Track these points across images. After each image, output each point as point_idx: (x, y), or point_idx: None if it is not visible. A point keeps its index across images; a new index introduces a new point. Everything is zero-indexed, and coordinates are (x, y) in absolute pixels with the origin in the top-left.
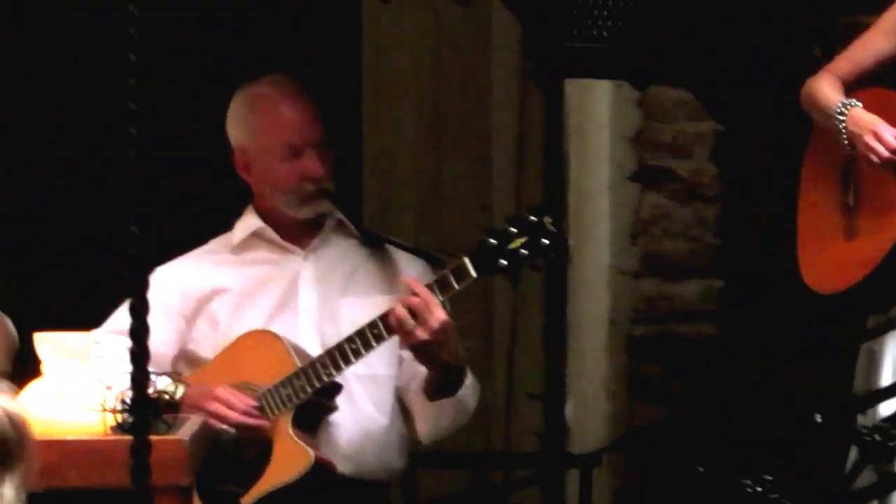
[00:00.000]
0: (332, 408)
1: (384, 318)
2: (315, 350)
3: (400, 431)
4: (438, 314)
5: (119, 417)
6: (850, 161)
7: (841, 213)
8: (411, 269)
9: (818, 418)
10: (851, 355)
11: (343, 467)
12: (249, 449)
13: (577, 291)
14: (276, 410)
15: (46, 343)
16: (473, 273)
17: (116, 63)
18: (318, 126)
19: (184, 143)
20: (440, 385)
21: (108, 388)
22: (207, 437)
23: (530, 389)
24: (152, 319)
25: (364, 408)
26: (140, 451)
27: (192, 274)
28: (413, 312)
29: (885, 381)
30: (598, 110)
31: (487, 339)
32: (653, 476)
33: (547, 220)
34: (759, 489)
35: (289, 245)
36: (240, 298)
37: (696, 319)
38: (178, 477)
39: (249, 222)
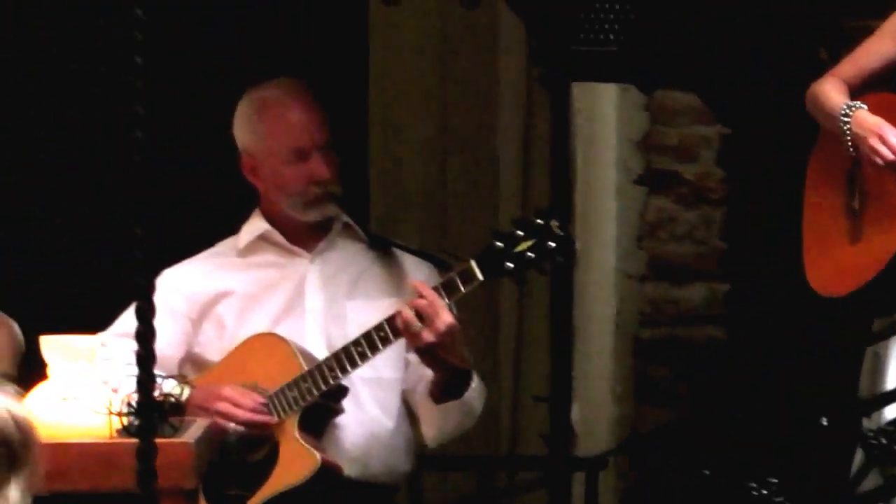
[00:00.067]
0: (339, 410)
1: (390, 320)
2: (321, 353)
3: (406, 434)
4: (445, 317)
5: (125, 420)
6: (856, 164)
7: (846, 217)
8: (418, 272)
9: (824, 421)
10: (857, 359)
11: (349, 470)
12: (256, 451)
13: (583, 294)
14: (282, 413)
15: (52, 346)
16: (480, 276)
17: (118, 63)
18: (324, 129)
19: (190, 146)
20: (446, 388)
21: (114, 391)
22: (213, 440)
23: (536, 392)
24: (158, 322)
25: (370, 411)
26: (146, 455)
27: (198, 277)
28: (419, 315)
29: (891, 384)
30: (604, 114)
31: (493, 341)
32: (659, 479)
33: (553, 223)
34: (765, 492)
35: (295, 248)
36: (246, 301)
37: (702, 323)
38: (184, 480)
39: (256, 225)
